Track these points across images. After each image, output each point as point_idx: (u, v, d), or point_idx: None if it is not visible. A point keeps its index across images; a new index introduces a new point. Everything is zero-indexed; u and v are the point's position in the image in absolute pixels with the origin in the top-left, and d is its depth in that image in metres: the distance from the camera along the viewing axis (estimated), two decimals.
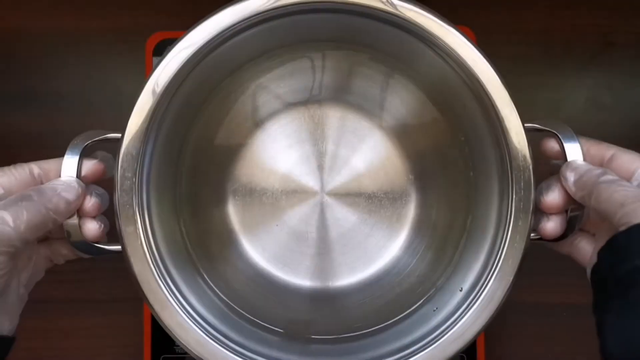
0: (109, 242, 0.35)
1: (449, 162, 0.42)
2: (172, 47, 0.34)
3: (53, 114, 0.53)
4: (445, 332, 0.34)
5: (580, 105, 0.54)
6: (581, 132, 0.52)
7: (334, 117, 0.43)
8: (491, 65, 0.35)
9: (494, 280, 0.34)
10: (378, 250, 0.44)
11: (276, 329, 0.39)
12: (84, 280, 0.52)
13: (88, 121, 0.53)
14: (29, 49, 0.53)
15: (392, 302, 0.41)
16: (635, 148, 0.53)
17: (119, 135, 0.34)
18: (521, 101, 0.53)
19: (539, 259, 0.52)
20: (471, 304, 0.35)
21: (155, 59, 0.49)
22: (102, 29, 0.53)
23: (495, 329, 0.49)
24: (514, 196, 0.34)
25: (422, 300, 0.39)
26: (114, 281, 0.52)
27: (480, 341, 0.47)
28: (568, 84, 0.54)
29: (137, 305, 0.49)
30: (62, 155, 0.36)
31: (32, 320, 0.52)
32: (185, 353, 0.47)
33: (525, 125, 0.35)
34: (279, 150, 0.44)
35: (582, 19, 0.53)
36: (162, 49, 0.49)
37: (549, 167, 0.36)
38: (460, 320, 0.34)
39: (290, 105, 0.43)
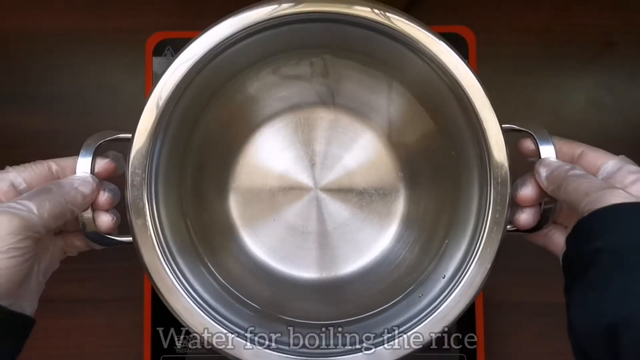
0: (120, 234, 0.38)
1: (435, 160, 0.45)
2: (178, 55, 0.37)
3: (53, 114, 0.54)
4: (428, 316, 0.38)
5: (580, 105, 0.54)
6: (581, 131, 0.53)
7: (328, 119, 0.46)
8: (471, 71, 0.37)
9: (474, 267, 0.38)
10: (370, 243, 0.46)
11: (276, 315, 0.42)
12: (84, 280, 0.53)
13: (88, 121, 0.53)
14: (29, 49, 0.54)
15: (384, 291, 0.44)
16: (636, 148, 0.53)
17: (130, 135, 0.37)
18: (521, 101, 0.53)
19: (539, 258, 0.53)
20: (452, 290, 0.38)
21: (155, 59, 0.50)
22: (102, 29, 0.54)
23: (494, 328, 0.49)
24: (492, 191, 0.37)
25: (410, 289, 0.42)
26: (114, 281, 0.52)
27: (480, 340, 0.48)
28: (568, 84, 0.54)
29: (137, 305, 0.49)
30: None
31: None
32: (186, 353, 0.48)
33: (503, 126, 0.38)
34: (276, 150, 0.46)
35: (582, 19, 0.54)
36: (162, 49, 0.50)
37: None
38: (442, 305, 0.38)
39: (287, 108, 0.46)
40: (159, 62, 0.50)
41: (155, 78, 0.49)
